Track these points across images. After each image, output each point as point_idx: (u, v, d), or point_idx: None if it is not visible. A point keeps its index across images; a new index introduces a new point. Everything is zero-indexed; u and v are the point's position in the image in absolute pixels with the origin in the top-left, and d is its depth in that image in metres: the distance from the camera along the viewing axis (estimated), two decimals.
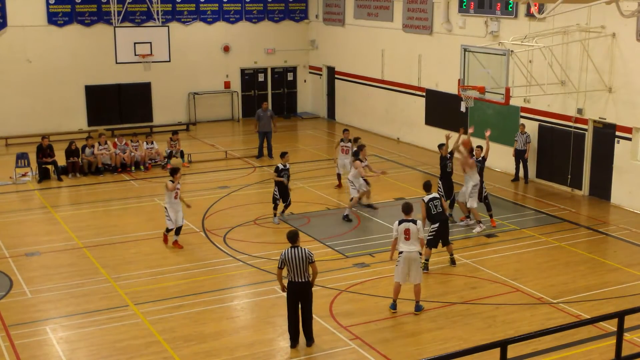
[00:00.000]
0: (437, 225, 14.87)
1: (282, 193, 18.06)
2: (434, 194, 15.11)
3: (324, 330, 12.49)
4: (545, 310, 13.30)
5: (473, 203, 17.32)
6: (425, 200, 14.85)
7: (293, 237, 11.75)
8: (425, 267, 14.92)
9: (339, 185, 21.17)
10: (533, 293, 13.99)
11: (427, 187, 15.13)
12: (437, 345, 11.98)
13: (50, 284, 14.59)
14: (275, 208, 18.20)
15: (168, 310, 13.37)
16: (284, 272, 11.73)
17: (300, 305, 11.80)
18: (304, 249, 11.72)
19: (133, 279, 14.85)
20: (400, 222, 12.96)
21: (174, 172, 16.47)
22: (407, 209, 13.10)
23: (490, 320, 12.94)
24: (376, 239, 17.04)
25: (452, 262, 15.31)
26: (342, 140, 20.88)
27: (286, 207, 18.41)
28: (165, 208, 16.40)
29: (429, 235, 14.86)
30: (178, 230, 16.48)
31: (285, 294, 11.92)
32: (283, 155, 18.32)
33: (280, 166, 18.06)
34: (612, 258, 16.02)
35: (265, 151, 25.04)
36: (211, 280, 14.78)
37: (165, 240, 16.66)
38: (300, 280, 11.60)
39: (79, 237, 17.32)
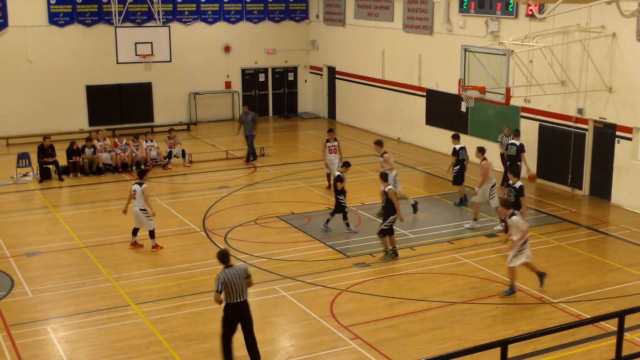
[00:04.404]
0: (394, 216, 15.46)
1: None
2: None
3: (325, 330, 12.52)
4: (545, 310, 13.31)
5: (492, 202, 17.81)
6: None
7: (225, 257, 11.02)
8: (394, 253, 15.72)
9: (330, 187, 20.77)
10: (533, 293, 14.00)
11: (384, 176, 16.01)
12: (437, 345, 12.00)
13: (51, 284, 14.62)
14: (345, 217, 17.41)
15: (169, 310, 13.40)
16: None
17: (242, 327, 11.11)
18: (238, 265, 11.17)
19: (134, 279, 14.88)
20: None
21: (143, 174, 16.51)
22: None
23: (490, 320, 12.96)
24: (376, 239, 17.04)
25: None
26: (327, 140, 20.74)
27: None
28: (145, 210, 16.15)
29: (386, 225, 15.51)
30: (136, 232, 16.44)
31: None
32: (346, 164, 17.88)
33: (343, 176, 17.19)
34: (612, 258, 16.03)
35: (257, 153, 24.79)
36: (212, 280, 14.65)
37: (158, 247, 16.39)
38: (240, 299, 10.90)
39: (79, 237, 17.34)
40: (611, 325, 11.88)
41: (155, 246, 16.38)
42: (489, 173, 17.50)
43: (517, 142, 19.87)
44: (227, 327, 11.05)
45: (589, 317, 12.43)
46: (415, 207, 18.76)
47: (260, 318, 13.16)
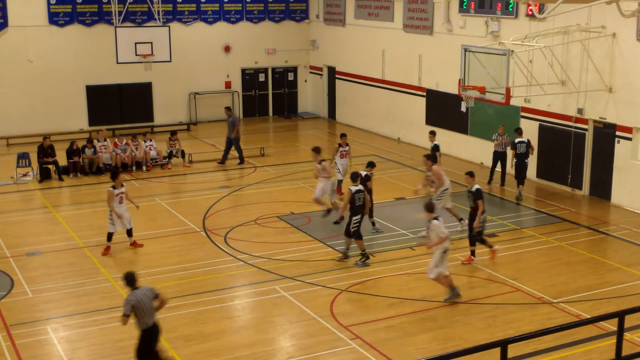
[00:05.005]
0: (359, 217, 15.35)
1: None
2: (360, 187, 15.54)
3: (325, 330, 12.52)
4: (545, 310, 13.31)
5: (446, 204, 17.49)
6: (353, 190, 15.30)
7: (132, 280, 10.37)
8: (345, 256, 15.58)
9: (340, 193, 20.11)
10: (533, 293, 14.01)
11: (354, 177, 15.65)
12: (437, 345, 12.00)
13: (51, 284, 14.62)
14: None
15: (169, 310, 13.32)
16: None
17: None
18: (145, 287, 10.54)
19: None
20: None
21: (114, 176, 16.18)
22: None
23: (491, 320, 12.96)
24: (376, 239, 17.06)
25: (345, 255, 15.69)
26: (339, 145, 20.20)
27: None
28: (110, 212, 16.05)
29: (353, 227, 15.34)
30: (129, 232, 16.36)
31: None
32: (371, 164, 17.54)
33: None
34: (613, 258, 16.03)
35: (242, 156, 24.38)
36: (212, 280, 14.80)
37: (107, 251, 16.16)
38: (153, 321, 10.40)
39: (79, 237, 17.34)
40: (611, 325, 11.88)
41: (106, 249, 16.18)
42: (442, 176, 17.37)
43: (525, 139, 20.04)
44: (147, 353, 10.45)
45: (589, 317, 12.43)
46: (327, 213, 18.06)
47: (260, 318, 13.19)
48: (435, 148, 20.08)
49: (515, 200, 19.94)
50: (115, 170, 16.60)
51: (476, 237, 15.49)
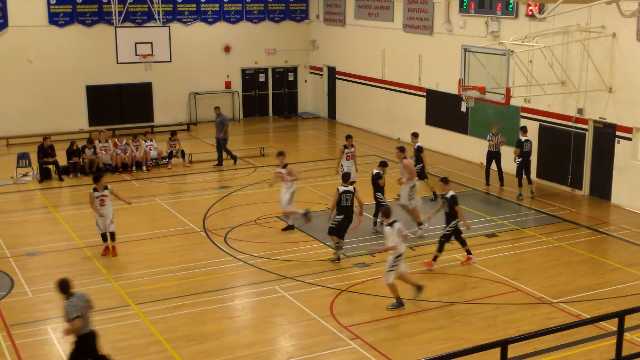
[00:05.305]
0: (342, 217, 15.46)
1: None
2: (350, 188, 15.58)
3: (325, 330, 12.52)
4: (545, 310, 13.31)
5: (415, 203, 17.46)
6: (340, 190, 15.41)
7: (67, 287, 10.14)
8: (337, 258, 15.59)
9: None
10: (533, 293, 14.01)
11: (345, 177, 15.87)
12: (437, 345, 12.00)
13: (52, 284, 14.44)
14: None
15: (169, 310, 13.40)
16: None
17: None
18: (79, 293, 10.39)
19: (134, 279, 14.88)
20: None
21: (97, 179, 16.03)
22: None
23: (491, 320, 12.96)
24: (376, 239, 17.05)
25: (337, 258, 15.64)
26: (345, 147, 20.01)
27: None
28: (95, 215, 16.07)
29: (331, 224, 15.54)
30: (112, 237, 16.20)
31: None
32: (383, 164, 17.20)
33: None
34: (612, 258, 16.03)
35: (235, 157, 24.40)
36: (212, 280, 14.80)
37: (105, 251, 16.16)
38: (90, 328, 10.23)
39: (80, 237, 17.34)
40: (611, 325, 11.88)
41: (105, 249, 16.16)
42: (414, 170, 17.45)
43: (530, 139, 20.18)
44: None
45: (589, 317, 12.43)
46: (306, 215, 17.84)
47: (260, 318, 13.19)
48: (419, 149, 19.89)
49: (530, 195, 20.15)
50: (98, 174, 16.57)
51: (442, 239, 15.27)
